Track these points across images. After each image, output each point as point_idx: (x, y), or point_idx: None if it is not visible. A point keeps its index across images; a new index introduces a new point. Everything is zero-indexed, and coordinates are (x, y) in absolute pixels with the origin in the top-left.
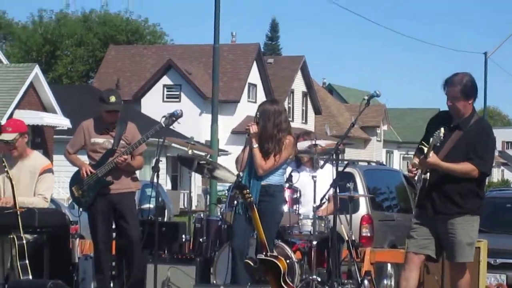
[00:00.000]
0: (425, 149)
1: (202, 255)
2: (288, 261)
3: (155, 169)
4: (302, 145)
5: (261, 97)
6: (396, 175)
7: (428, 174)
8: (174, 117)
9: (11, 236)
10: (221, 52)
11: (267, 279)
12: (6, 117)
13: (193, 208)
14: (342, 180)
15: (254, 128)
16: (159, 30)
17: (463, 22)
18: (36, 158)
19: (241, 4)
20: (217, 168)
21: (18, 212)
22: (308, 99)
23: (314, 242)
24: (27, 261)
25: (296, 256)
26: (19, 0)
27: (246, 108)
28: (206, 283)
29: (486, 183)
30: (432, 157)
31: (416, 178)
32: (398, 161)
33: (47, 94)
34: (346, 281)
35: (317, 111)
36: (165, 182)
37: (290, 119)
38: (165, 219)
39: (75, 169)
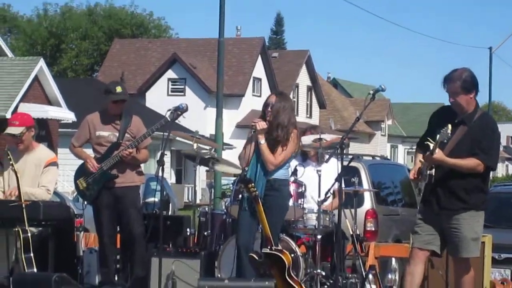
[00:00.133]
0: (431, 145)
1: (207, 248)
2: (292, 255)
3: (160, 163)
4: (308, 139)
5: (265, 91)
6: (401, 170)
7: (433, 170)
8: (179, 111)
9: (16, 229)
10: (226, 46)
11: (271, 273)
12: (11, 110)
13: (197, 202)
14: (347, 175)
15: (261, 125)
16: (164, 24)
17: (468, 16)
18: (41, 151)
19: None
20: (220, 162)
21: (23, 205)
22: (313, 93)
23: (319, 236)
24: (31, 254)
25: (301, 250)
26: None
27: (251, 102)
28: (211, 277)
29: (491, 178)
30: (438, 153)
31: (419, 182)
32: (402, 156)
33: (52, 87)
34: (350, 275)
35: (322, 105)
36: (169, 175)
37: (295, 113)
38: (170, 213)
39: (80, 162)
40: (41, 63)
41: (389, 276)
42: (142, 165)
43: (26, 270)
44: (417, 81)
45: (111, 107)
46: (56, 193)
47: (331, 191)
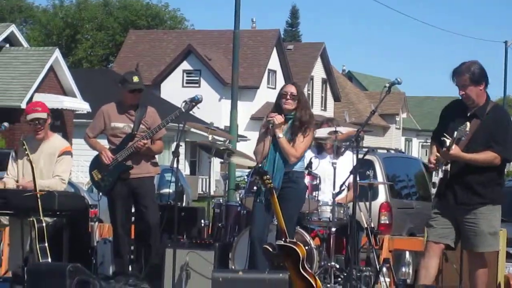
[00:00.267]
0: (448, 141)
1: (221, 240)
2: (306, 247)
3: (175, 154)
4: (324, 131)
5: (280, 83)
6: (415, 163)
7: (449, 165)
8: (194, 102)
9: (31, 219)
10: (241, 38)
11: (285, 265)
12: (26, 100)
13: (212, 193)
14: (362, 167)
15: (278, 119)
16: (179, 15)
17: (483, 10)
18: (55, 141)
19: None
20: (235, 153)
21: (38, 195)
22: (328, 86)
23: (333, 229)
24: (46, 244)
25: (315, 243)
26: None
27: (266, 94)
28: (225, 268)
29: (505, 172)
30: (455, 149)
31: (436, 170)
32: (417, 149)
33: (67, 77)
34: (364, 268)
35: (337, 98)
36: (183, 167)
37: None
38: (184, 204)
39: (94, 153)
40: (57, 53)
41: (403, 269)
42: (156, 156)
43: (40, 260)
44: (432, 75)
45: (127, 97)
46: (70, 183)
47: (346, 184)
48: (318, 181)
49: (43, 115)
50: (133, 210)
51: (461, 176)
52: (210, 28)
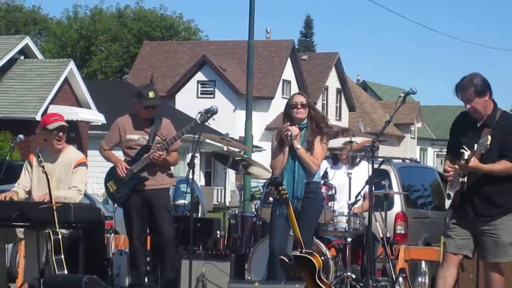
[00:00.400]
0: (466, 154)
1: (237, 251)
2: (322, 258)
3: (191, 165)
4: (339, 142)
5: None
6: (431, 173)
7: (466, 177)
8: (209, 113)
9: (47, 231)
10: (255, 48)
11: (302, 276)
12: (41, 112)
13: (227, 204)
14: (377, 177)
15: (295, 130)
16: (193, 26)
17: (496, 19)
18: (70, 152)
19: (276, 0)
20: (252, 164)
21: (54, 207)
22: (342, 96)
23: (349, 239)
24: (62, 256)
25: (331, 253)
26: None
27: (280, 105)
28: (241, 279)
29: None
30: (474, 161)
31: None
32: (432, 159)
33: (82, 89)
34: (380, 278)
35: (351, 108)
36: (199, 178)
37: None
38: (199, 215)
39: (109, 164)
40: (71, 65)
41: (419, 279)
42: (171, 167)
43: (56, 272)
44: (445, 83)
45: (142, 112)
46: (86, 195)
47: (361, 194)
48: (333, 192)
49: (66, 124)
50: (148, 221)
51: (478, 188)
52: (225, 38)
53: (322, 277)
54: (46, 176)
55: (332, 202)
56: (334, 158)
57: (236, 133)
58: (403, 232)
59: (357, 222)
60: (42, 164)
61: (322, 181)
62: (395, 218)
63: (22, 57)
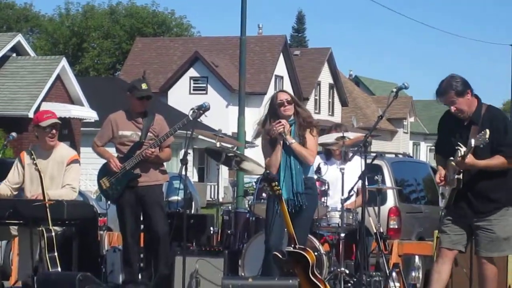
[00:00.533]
0: (462, 150)
1: (230, 247)
2: (316, 253)
3: (184, 162)
4: (331, 137)
5: (287, 89)
6: (424, 167)
7: (461, 174)
8: (202, 109)
9: (40, 228)
10: (247, 44)
11: (295, 272)
12: (33, 110)
13: (220, 200)
14: (370, 173)
15: (287, 126)
16: (185, 22)
17: (490, 14)
18: (62, 150)
19: None
20: (245, 160)
21: (47, 205)
22: (335, 91)
23: (342, 235)
24: (56, 253)
25: (324, 249)
26: None
27: None
28: (235, 275)
29: None
30: (469, 158)
31: (446, 186)
32: (425, 153)
33: (74, 86)
34: (374, 273)
35: (344, 103)
36: (192, 174)
37: (317, 111)
38: (192, 212)
39: (102, 161)
40: (63, 62)
41: (413, 273)
42: (164, 163)
43: (50, 269)
44: (438, 78)
45: (136, 104)
46: (79, 192)
47: (354, 189)
48: (326, 187)
49: (58, 121)
50: (142, 218)
51: (473, 184)
52: (217, 34)
53: (316, 272)
54: (39, 174)
55: (325, 198)
56: (327, 153)
57: (229, 129)
58: (396, 227)
59: (350, 217)
60: (35, 162)
61: (316, 177)
62: (388, 213)
63: (14, 55)
